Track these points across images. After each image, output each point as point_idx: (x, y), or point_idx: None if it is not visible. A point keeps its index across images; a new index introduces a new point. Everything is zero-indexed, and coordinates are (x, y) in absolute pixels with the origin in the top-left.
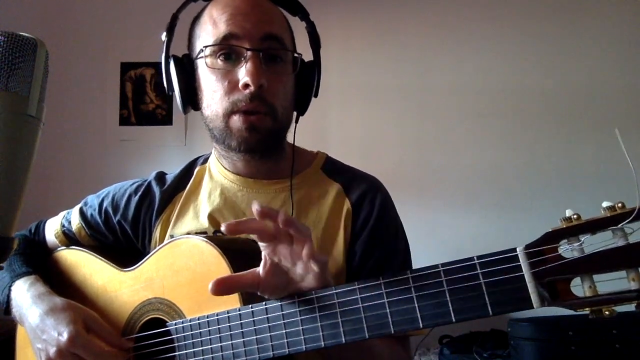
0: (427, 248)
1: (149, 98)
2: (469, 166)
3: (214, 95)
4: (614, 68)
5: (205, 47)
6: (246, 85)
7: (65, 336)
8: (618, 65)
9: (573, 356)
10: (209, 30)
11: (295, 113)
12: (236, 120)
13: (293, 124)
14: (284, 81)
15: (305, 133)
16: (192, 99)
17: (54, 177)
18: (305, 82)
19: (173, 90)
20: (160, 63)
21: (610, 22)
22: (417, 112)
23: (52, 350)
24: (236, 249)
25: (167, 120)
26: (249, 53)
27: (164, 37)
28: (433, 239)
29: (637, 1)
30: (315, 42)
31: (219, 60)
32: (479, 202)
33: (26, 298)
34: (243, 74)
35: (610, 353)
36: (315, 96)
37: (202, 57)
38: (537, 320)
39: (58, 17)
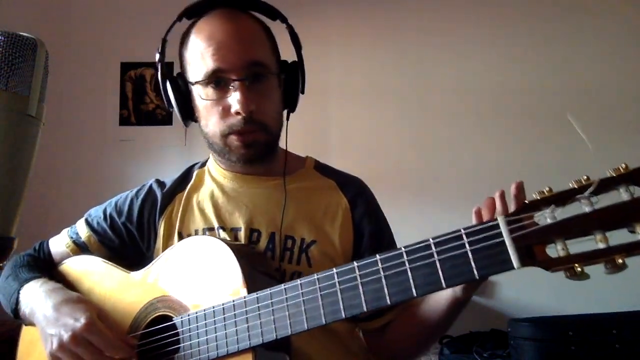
0: None
1: (149, 98)
2: (469, 166)
3: (210, 119)
4: (614, 68)
5: (196, 82)
6: (238, 113)
7: (82, 321)
8: (618, 66)
9: (573, 356)
10: (197, 62)
11: (285, 112)
12: (233, 140)
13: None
14: (271, 97)
15: (306, 133)
16: (190, 113)
17: (54, 177)
18: (291, 83)
19: (172, 108)
20: (159, 83)
21: (610, 22)
22: (417, 112)
23: (66, 336)
24: (239, 249)
25: (167, 120)
26: (236, 83)
27: (157, 58)
28: None
29: (638, 1)
30: (296, 43)
31: (210, 89)
32: (479, 202)
33: (39, 293)
34: (234, 101)
35: (610, 353)
36: (302, 93)
37: (195, 85)
38: (537, 320)
39: (58, 17)
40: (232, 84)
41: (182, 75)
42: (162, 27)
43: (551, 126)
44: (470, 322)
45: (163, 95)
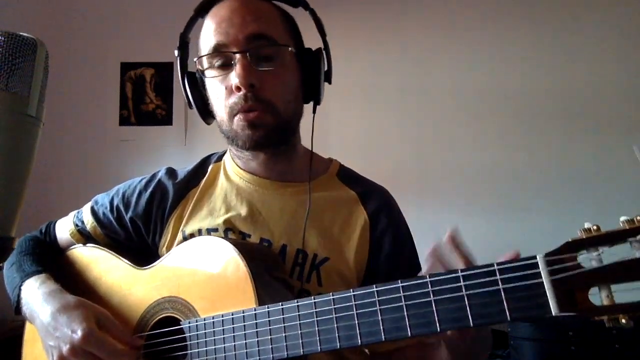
0: (427, 248)
1: (149, 98)
2: (469, 166)
3: (217, 102)
4: (613, 68)
5: (196, 60)
6: (238, 88)
7: (79, 334)
8: (618, 65)
9: (573, 356)
10: (205, 43)
11: (312, 103)
12: (238, 120)
13: (309, 116)
14: (281, 77)
15: (306, 133)
16: (207, 110)
17: (54, 177)
18: (311, 69)
19: (192, 106)
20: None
21: (610, 22)
22: (417, 112)
23: (65, 348)
24: (252, 251)
25: (167, 120)
26: (236, 56)
27: (176, 53)
28: (433, 239)
29: (638, 1)
30: (320, 29)
31: (215, 70)
32: (479, 202)
33: (37, 296)
34: (234, 76)
35: (610, 353)
36: (329, 82)
37: (202, 69)
38: (537, 320)
39: (58, 17)
40: (233, 60)
41: (199, 70)
42: (162, 27)
43: (551, 126)
44: None
45: (184, 94)
